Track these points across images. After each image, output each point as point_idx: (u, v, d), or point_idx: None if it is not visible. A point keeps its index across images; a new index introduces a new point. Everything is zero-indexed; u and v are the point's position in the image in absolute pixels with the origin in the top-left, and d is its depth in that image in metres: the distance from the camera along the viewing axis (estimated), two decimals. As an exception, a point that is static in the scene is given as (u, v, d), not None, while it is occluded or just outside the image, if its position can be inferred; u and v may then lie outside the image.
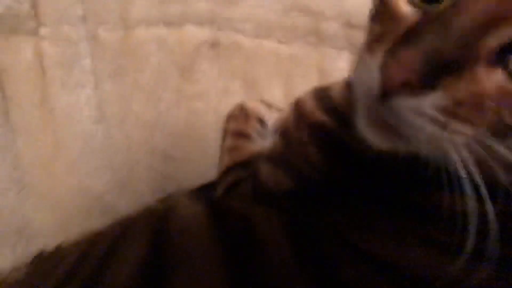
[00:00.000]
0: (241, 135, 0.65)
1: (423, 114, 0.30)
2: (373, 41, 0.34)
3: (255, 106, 0.67)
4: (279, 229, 0.39)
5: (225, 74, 0.72)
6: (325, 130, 0.49)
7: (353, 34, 0.70)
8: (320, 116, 0.50)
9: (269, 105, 0.68)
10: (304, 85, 0.71)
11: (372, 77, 0.31)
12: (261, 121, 0.66)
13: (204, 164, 0.67)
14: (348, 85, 0.51)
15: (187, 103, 0.70)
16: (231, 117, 0.68)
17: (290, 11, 0.72)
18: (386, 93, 0.30)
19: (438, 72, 0.29)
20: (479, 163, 0.32)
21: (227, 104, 0.68)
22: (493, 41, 0.30)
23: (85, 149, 0.61)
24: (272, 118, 0.66)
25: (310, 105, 0.54)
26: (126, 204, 0.62)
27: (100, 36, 0.64)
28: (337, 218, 0.40)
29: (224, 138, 0.67)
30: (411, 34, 0.31)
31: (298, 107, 0.55)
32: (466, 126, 0.30)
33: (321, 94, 0.55)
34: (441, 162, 0.33)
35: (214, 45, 0.72)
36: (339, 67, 0.72)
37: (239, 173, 0.60)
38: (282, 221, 0.40)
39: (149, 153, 0.66)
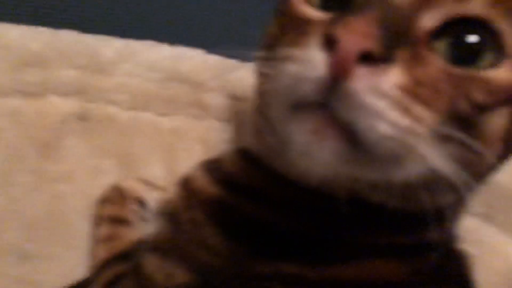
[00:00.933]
0: (118, 220, 0.57)
1: (385, 95, 0.26)
2: (293, 37, 0.31)
3: (132, 186, 0.60)
4: None
5: (96, 151, 0.63)
6: (224, 206, 0.43)
7: (237, 104, 0.68)
8: (215, 190, 0.45)
9: (149, 184, 0.61)
10: (187, 159, 0.66)
11: (312, 67, 0.27)
12: (141, 203, 0.59)
13: (70, 260, 0.56)
14: (241, 153, 0.48)
15: (49, 186, 0.59)
16: (104, 201, 0.59)
17: (169, 81, 0.67)
18: (338, 76, 0.26)
19: (393, 43, 0.26)
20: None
21: (99, 186, 0.60)
22: (427, 21, 0.29)
23: None
24: (153, 199, 0.59)
25: (202, 180, 0.48)
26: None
27: None
28: None
29: (97, 226, 0.57)
30: (352, 9, 0.28)
31: (187, 184, 0.49)
32: (428, 111, 0.27)
33: (212, 167, 0.50)
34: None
35: (82, 118, 0.64)
36: (224, 139, 0.68)
37: (119, 267, 0.50)
38: None
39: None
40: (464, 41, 0.30)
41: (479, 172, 0.34)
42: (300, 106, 0.29)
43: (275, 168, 0.41)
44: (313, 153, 0.29)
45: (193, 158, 0.65)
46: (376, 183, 0.33)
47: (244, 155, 0.47)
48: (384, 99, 0.26)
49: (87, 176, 0.62)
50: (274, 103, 0.32)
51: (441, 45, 0.30)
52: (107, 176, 0.62)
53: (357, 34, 0.25)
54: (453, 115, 0.29)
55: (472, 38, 0.30)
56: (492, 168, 0.36)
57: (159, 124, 0.67)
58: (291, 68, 0.28)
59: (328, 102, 0.27)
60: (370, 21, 0.26)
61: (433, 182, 0.31)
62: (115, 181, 0.61)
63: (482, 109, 0.30)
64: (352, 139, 0.28)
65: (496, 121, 0.32)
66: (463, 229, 0.44)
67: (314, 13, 0.35)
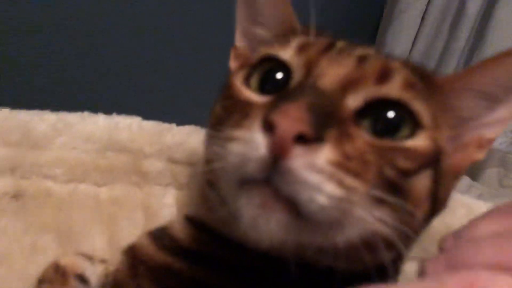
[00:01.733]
0: None
1: (320, 171, 0.29)
2: (237, 119, 0.34)
3: (72, 261, 0.57)
4: None
5: (33, 228, 0.61)
6: (171, 272, 0.44)
7: (177, 168, 0.68)
8: (164, 257, 0.45)
9: (90, 258, 0.59)
10: (129, 228, 0.65)
11: (255, 148, 0.30)
12: (82, 279, 0.56)
13: None
14: (189, 219, 0.50)
15: (-18, 271, 0.56)
16: (43, 281, 0.56)
17: (106, 151, 0.67)
18: (278, 155, 0.29)
19: (323, 125, 0.30)
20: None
21: (37, 265, 0.57)
22: (352, 103, 0.34)
23: None
24: (95, 273, 0.57)
25: (149, 248, 0.49)
26: None
27: None
28: None
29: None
30: (286, 94, 0.33)
31: (133, 252, 0.49)
32: (359, 181, 0.31)
33: (159, 235, 0.50)
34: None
35: (16, 196, 0.62)
36: (166, 204, 0.68)
37: None
38: None
39: None
40: (385, 117, 0.34)
41: (413, 228, 0.36)
42: (247, 182, 0.32)
43: (225, 235, 0.42)
44: (260, 225, 0.32)
45: (135, 227, 0.65)
46: (321, 247, 0.35)
47: (192, 221, 0.48)
48: (318, 174, 0.29)
49: (23, 255, 0.59)
50: (223, 179, 0.35)
51: (366, 121, 0.34)
52: (46, 254, 0.59)
53: (292, 119, 0.29)
54: (383, 181, 0.33)
55: (391, 115, 0.35)
56: (425, 222, 0.39)
57: (98, 195, 0.66)
58: (237, 148, 0.32)
59: (271, 179, 0.30)
60: (302, 106, 0.30)
61: (373, 242, 0.34)
62: (54, 258, 0.59)
63: (407, 173, 0.34)
64: (295, 210, 0.31)
65: (421, 183, 0.35)
66: (402, 273, 0.47)
67: (254, 96, 0.39)
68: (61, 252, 0.60)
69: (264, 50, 0.43)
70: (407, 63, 0.40)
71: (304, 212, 0.31)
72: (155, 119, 0.71)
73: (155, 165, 0.68)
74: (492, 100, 0.41)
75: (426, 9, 1.72)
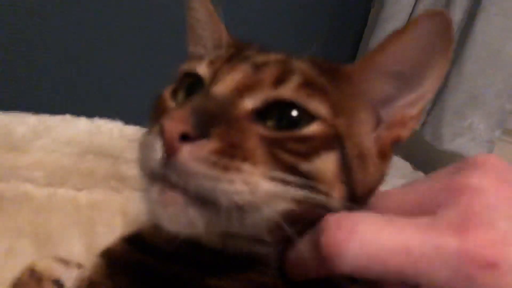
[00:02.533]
0: None
1: (205, 160, 0.33)
2: (150, 126, 0.39)
3: (48, 265, 0.57)
4: None
5: (10, 231, 0.61)
6: (147, 268, 0.45)
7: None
8: (137, 256, 0.47)
9: (66, 262, 0.59)
10: (107, 233, 0.66)
11: (154, 148, 0.35)
12: (58, 283, 0.56)
13: None
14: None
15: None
16: (18, 285, 0.56)
17: (85, 155, 0.67)
18: (169, 154, 0.34)
19: (208, 123, 0.35)
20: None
21: (13, 269, 0.57)
22: (248, 104, 0.39)
23: None
24: (71, 277, 0.57)
25: (123, 248, 0.50)
26: None
27: None
28: None
29: (10, 313, 0.54)
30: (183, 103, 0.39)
31: (108, 254, 0.50)
32: (250, 164, 0.35)
33: (132, 238, 0.52)
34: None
35: (-6, 199, 0.62)
36: (144, 209, 0.68)
37: None
38: None
39: None
40: (285, 115, 0.39)
41: (335, 207, 0.39)
42: (154, 179, 0.36)
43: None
44: (167, 216, 0.36)
45: (113, 231, 0.66)
46: (236, 233, 0.39)
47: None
48: (203, 163, 0.33)
49: (0, 258, 0.59)
50: (141, 178, 0.40)
51: (272, 119, 0.39)
52: (23, 257, 0.59)
53: (175, 122, 0.34)
54: (282, 164, 0.37)
55: (289, 112, 0.39)
56: (355, 203, 0.41)
57: (77, 199, 0.66)
58: (144, 151, 0.37)
59: (169, 174, 0.34)
60: (186, 110, 0.35)
61: (294, 220, 0.37)
62: (30, 262, 0.59)
63: (304, 156, 0.38)
64: (200, 200, 0.35)
65: (324, 165, 0.39)
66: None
67: (170, 103, 0.46)
68: (38, 256, 0.60)
69: (186, 66, 0.48)
70: (314, 61, 0.44)
71: (205, 201, 0.35)
72: (137, 124, 0.71)
73: (135, 170, 0.69)
74: (402, 78, 0.43)
75: (408, 19, 1.75)
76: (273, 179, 0.35)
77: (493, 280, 0.26)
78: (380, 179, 0.45)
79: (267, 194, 0.35)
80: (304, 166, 0.37)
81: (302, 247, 0.37)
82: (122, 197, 0.68)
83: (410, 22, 0.41)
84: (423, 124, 1.71)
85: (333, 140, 0.39)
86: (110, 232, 0.65)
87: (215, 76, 0.42)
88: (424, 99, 0.43)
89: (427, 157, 1.78)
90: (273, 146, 0.37)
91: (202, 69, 0.45)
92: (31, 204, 0.64)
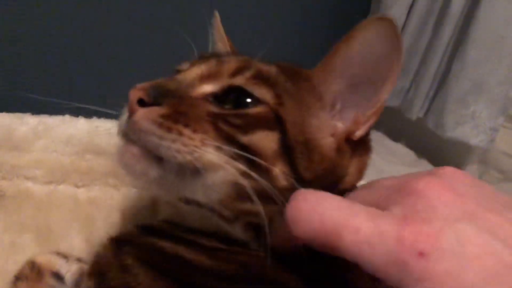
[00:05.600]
0: None
1: (153, 120, 0.40)
2: None
3: (48, 259, 0.60)
4: None
5: (12, 227, 0.64)
6: (156, 249, 0.47)
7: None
8: (146, 238, 0.49)
9: (65, 256, 0.62)
10: (106, 228, 0.68)
11: (124, 112, 0.43)
12: (58, 277, 0.60)
13: None
14: None
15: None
16: (19, 278, 0.59)
17: (84, 154, 0.70)
18: (129, 115, 0.41)
19: (163, 95, 0.42)
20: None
21: (16, 263, 0.60)
22: (206, 88, 0.46)
23: None
24: (70, 271, 0.60)
25: (133, 231, 0.52)
26: None
27: None
28: None
29: (12, 306, 0.57)
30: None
31: (116, 237, 0.52)
32: (191, 130, 0.41)
33: (141, 225, 0.54)
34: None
35: (-2, 195, 0.65)
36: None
37: None
38: None
39: None
40: (238, 97, 0.45)
41: (276, 184, 0.43)
42: (121, 135, 0.44)
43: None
44: (125, 164, 0.43)
45: (111, 227, 0.69)
46: (195, 199, 0.45)
47: None
48: (152, 123, 0.40)
49: (3, 253, 0.62)
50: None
51: (230, 101, 0.45)
52: (24, 252, 0.63)
53: (136, 90, 0.42)
54: (223, 135, 0.42)
55: (240, 96, 0.45)
56: (291, 183, 0.44)
57: (76, 195, 0.69)
58: (121, 116, 0.45)
59: (128, 131, 0.42)
60: (148, 83, 0.43)
61: (240, 190, 0.42)
62: (31, 256, 0.62)
63: (241, 128, 0.43)
64: (148, 154, 0.41)
65: (261, 141, 0.43)
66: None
67: None
68: (39, 251, 0.63)
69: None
70: (280, 64, 0.50)
71: (158, 156, 0.41)
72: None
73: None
74: (356, 80, 0.46)
75: (412, 5, 1.73)
76: (213, 146, 0.41)
77: (422, 267, 0.30)
78: (339, 171, 0.48)
79: (208, 160, 0.41)
80: (242, 138, 0.43)
81: (277, 219, 0.41)
82: (120, 194, 0.71)
83: (357, 27, 0.44)
84: (426, 112, 1.71)
85: (274, 122, 0.44)
86: (109, 227, 0.68)
87: (188, 69, 0.49)
88: (379, 101, 0.46)
89: (430, 145, 1.78)
90: (217, 120, 0.43)
91: (185, 65, 0.52)
92: (33, 201, 0.67)
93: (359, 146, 0.49)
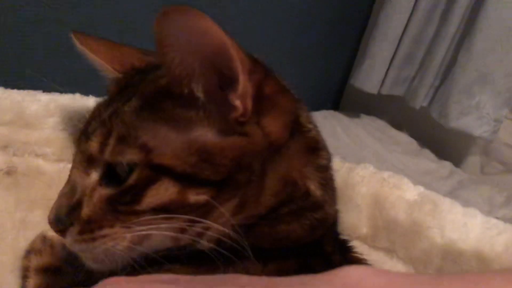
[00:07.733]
0: (49, 270, 0.58)
1: (78, 241, 0.45)
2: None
3: None
4: None
5: (24, 203, 0.65)
6: None
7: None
8: None
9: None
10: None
11: None
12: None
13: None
14: None
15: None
16: (31, 251, 0.61)
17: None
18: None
19: (69, 216, 0.46)
20: None
21: (27, 239, 0.61)
22: (94, 176, 0.46)
23: None
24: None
25: None
26: None
27: None
28: None
29: (24, 279, 0.58)
30: None
31: None
32: (104, 230, 0.44)
33: None
34: None
35: (9, 172, 0.66)
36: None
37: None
38: None
39: None
40: (116, 173, 0.45)
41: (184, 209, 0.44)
42: None
43: None
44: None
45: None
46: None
47: None
48: (80, 243, 0.46)
49: (14, 229, 0.63)
50: None
51: (114, 172, 0.45)
52: (35, 229, 0.64)
53: (50, 224, 0.48)
54: (127, 213, 0.44)
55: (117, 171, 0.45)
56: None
57: (86, 174, 0.69)
58: None
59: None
60: (51, 215, 0.48)
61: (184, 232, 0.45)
62: (42, 231, 0.63)
63: (135, 201, 0.44)
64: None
65: (158, 197, 0.43)
66: (370, 261, 0.52)
67: None
68: (49, 228, 0.64)
69: None
70: (143, 92, 0.47)
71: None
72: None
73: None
74: (205, 67, 0.43)
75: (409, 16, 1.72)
76: (130, 226, 0.44)
77: None
78: (260, 141, 0.46)
79: (137, 236, 0.44)
80: (140, 207, 0.43)
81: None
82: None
83: (157, 19, 0.39)
84: (431, 101, 1.71)
85: (156, 172, 0.43)
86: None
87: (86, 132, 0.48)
88: (238, 81, 0.43)
89: (433, 134, 1.78)
90: (114, 204, 0.44)
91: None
92: (43, 178, 0.67)
93: (262, 106, 0.46)
